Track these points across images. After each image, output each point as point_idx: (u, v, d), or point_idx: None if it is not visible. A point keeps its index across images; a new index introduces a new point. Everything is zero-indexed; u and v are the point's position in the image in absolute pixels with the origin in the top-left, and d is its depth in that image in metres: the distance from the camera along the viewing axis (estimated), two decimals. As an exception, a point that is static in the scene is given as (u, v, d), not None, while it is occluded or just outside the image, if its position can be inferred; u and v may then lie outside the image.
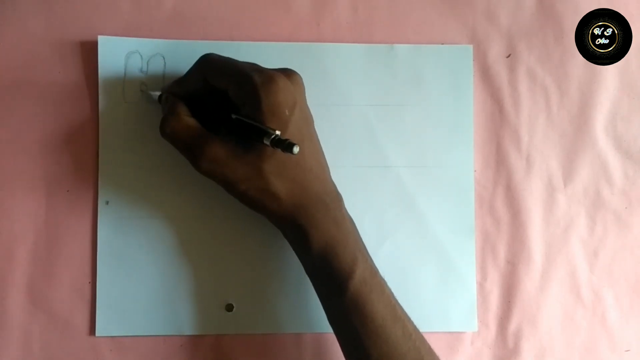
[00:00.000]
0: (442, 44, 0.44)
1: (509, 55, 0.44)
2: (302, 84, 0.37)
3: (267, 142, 0.33)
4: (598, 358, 0.44)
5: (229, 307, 0.42)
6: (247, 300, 0.42)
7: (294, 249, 0.38)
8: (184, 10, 0.42)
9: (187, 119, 0.37)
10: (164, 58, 0.42)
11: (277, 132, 0.34)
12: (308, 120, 0.38)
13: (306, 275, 0.38)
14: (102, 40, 0.41)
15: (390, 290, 0.37)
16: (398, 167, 0.43)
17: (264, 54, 0.42)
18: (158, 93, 0.40)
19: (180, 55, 0.41)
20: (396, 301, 0.37)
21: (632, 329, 0.44)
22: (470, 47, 0.44)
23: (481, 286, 0.44)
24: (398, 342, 0.35)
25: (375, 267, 0.37)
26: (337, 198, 0.38)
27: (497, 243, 0.44)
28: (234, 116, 0.36)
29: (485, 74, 0.44)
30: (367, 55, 0.43)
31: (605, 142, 0.45)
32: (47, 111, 0.41)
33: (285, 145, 0.33)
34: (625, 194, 0.45)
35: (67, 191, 0.41)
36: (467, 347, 0.43)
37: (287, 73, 0.36)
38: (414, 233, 0.43)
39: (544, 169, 0.44)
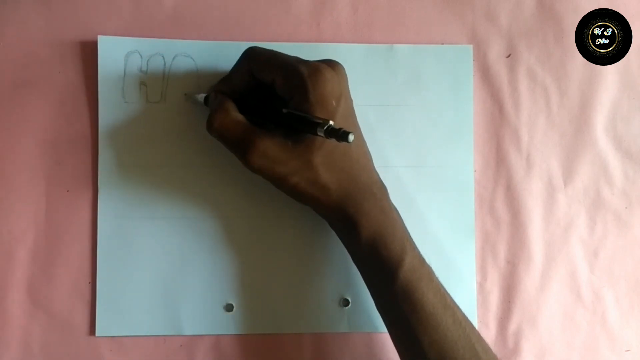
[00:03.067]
0: (442, 44, 0.44)
1: (509, 55, 0.44)
2: (346, 74, 0.37)
3: (321, 133, 0.33)
4: (598, 358, 0.44)
5: (229, 307, 0.42)
6: (247, 300, 0.42)
7: (341, 239, 0.38)
8: (184, 10, 0.42)
9: (235, 114, 0.37)
10: (164, 58, 0.42)
11: (331, 122, 0.33)
12: (352, 110, 0.38)
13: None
14: (102, 40, 0.41)
15: (438, 279, 0.37)
16: (398, 167, 0.43)
17: (264, 54, 0.42)
18: (204, 95, 0.40)
19: (180, 55, 0.41)
20: (445, 290, 0.37)
21: (632, 329, 0.44)
22: (470, 47, 0.44)
23: (481, 286, 0.44)
24: (448, 329, 0.35)
25: (423, 257, 0.37)
26: (383, 188, 0.39)
27: (497, 243, 0.44)
28: (285, 110, 0.36)
29: (485, 74, 0.44)
30: (367, 55, 0.43)
31: (605, 142, 0.45)
32: (47, 111, 0.41)
33: (340, 134, 0.32)
34: (625, 194, 0.45)
35: (67, 191, 0.41)
36: (467, 347, 0.43)
37: (331, 64, 0.36)
38: (413, 233, 0.42)
39: (544, 169, 0.44)
